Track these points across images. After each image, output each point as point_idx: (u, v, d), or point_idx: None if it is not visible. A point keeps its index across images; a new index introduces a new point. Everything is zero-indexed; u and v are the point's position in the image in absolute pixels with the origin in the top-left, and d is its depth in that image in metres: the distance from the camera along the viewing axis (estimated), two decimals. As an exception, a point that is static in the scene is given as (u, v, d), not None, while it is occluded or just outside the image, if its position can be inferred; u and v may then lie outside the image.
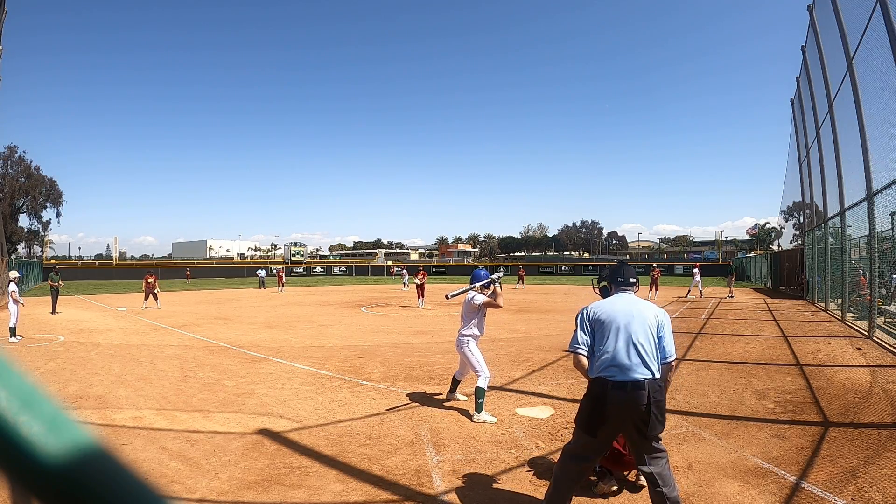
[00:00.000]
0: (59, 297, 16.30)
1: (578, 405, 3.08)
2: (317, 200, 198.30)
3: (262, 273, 32.89)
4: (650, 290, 21.40)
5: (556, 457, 4.15)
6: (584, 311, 3.13)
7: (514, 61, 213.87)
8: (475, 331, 5.48)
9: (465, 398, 5.80)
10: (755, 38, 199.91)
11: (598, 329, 3.02)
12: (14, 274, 11.28)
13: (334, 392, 6.25)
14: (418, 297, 19.00)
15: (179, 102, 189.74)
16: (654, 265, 27.88)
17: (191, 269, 49.81)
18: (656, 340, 2.98)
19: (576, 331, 3.11)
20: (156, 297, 17.97)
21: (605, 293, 3.40)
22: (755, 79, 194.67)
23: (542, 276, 51.98)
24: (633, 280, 3.24)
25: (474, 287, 5.56)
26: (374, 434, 4.74)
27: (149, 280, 18.14)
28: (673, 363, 3.04)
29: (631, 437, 2.93)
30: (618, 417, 2.86)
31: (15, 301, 10.60)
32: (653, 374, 2.89)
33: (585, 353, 3.03)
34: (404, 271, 32.09)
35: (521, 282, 32.63)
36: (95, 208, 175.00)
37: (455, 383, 5.84)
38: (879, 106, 9.36)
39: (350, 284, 37.63)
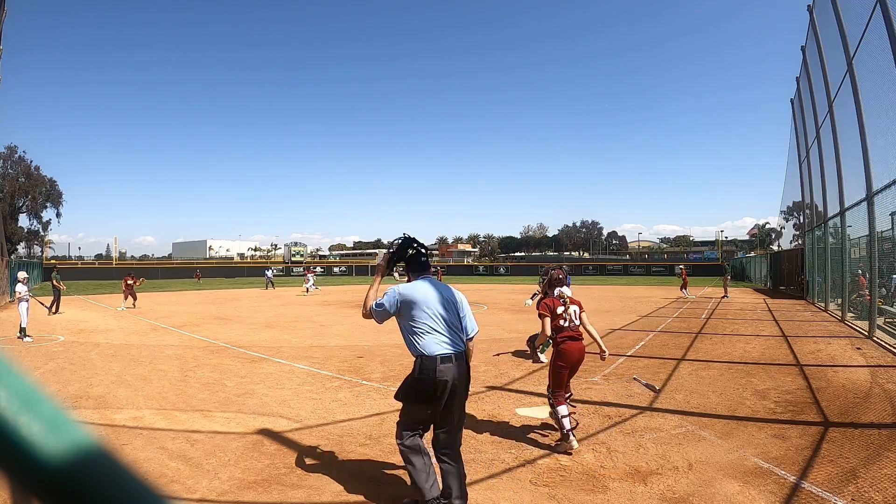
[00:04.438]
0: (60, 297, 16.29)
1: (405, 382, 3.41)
2: (317, 200, 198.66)
3: (270, 273, 32.78)
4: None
5: (556, 456, 4.15)
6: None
7: (514, 60, 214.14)
8: None
9: None
10: (755, 38, 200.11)
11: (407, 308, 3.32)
12: (23, 274, 11.33)
13: (334, 392, 6.25)
14: None
15: (179, 102, 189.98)
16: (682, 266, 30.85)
17: (191, 270, 49.68)
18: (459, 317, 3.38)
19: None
20: (134, 297, 17.93)
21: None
22: (755, 78, 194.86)
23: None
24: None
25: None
26: (374, 434, 4.74)
27: (128, 282, 18.06)
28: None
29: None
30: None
31: (23, 301, 10.67)
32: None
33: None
34: (308, 275, 28.54)
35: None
36: (95, 208, 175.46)
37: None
38: (879, 106, 9.37)
39: (350, 284, 37.61)
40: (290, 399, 5.92)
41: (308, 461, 4.10)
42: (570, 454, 4.17)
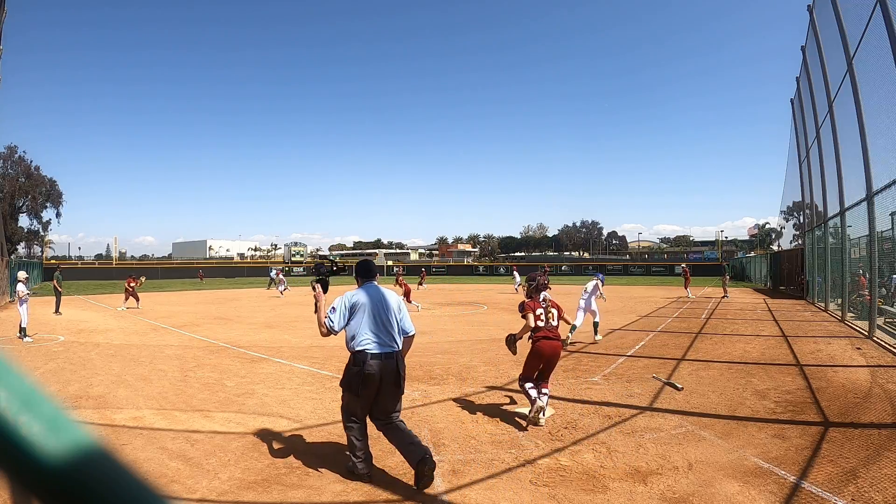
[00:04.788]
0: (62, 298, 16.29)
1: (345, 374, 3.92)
2: (317, 200, 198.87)
3: (273, 273, 32.88)
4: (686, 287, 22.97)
5: (556, 456, 4.16)
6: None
7: (514, 60, 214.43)
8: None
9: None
10: (755, 36, 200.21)
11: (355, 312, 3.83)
12: (23, 274, 11.32)
13: (334, 392, 6.24)
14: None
15: (179, 102, 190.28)
16: (684, 265, 32.25)
17: (191, 270, 49.60)
18: (399, 319, 3.87)
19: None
20: (137, 298, 17.99)
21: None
22: (755, 78, 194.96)
23: (542, 276, 51.89)
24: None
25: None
26: (374, 434, 4.73)
27: (130, 284, 18.08)
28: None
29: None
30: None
31: (23, 301, 10.66)
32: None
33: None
34: (276, 274, 26.44)
35: (422, 283, 30.41)
36: (95, 208, 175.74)
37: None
38: (879, 106, 9.36)
39: (350, 284, 37.45)
40: (290, 399, 5.92)
41: (308, 461, 4.10)
42: (542, 415, 4.88)
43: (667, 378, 6.80)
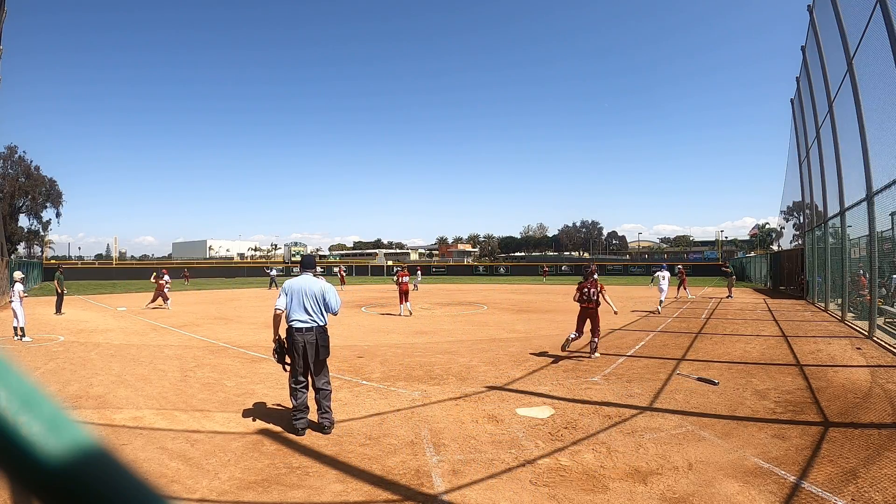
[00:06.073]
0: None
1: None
2: (317, 200, 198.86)
3: (274, 272, 32.93)
4: (679, 288, 21.87)
5: (556, 456, 4.16)
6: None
7: (514, 60, 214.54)
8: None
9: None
10: (755, 36, 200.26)
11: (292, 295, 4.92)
12: (19, 274, 11.30)
13: (334, 392, 6.23)
14: (400, 303, 15.48)
15: (179, 102, 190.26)
16: (680, 266, 30.92)
17: (191, 270, 49.05)
18: (322, 302, 4.89)
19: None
20: (165, 298, 17.74)
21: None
22: (756, 77, 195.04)
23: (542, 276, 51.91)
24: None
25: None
26: (374, 434, 4.74)
27: (161, 280, 17.65)
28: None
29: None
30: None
31: (21, 299, 10.65)
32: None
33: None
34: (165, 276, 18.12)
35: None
36: (95, 208, 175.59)
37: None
38: (879, 106, 9.36)
39: (350, 284, 37.55)
40: (289, 399, 5.91)
41: (308, 461, 4.10)
42: (567, 345, 8.37)
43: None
